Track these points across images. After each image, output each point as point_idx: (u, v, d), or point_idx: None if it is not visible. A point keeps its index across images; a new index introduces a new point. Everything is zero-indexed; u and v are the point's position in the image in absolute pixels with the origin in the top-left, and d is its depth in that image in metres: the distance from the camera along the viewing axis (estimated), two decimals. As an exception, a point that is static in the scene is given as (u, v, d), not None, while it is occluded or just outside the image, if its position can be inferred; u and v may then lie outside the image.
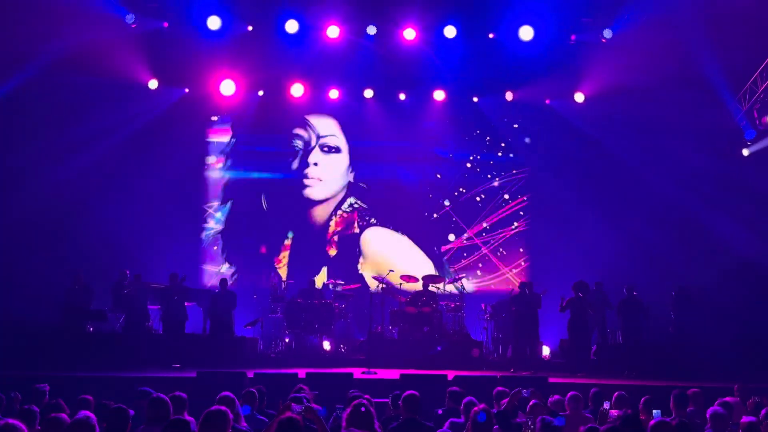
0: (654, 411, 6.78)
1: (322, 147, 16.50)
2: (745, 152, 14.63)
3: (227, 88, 15.54)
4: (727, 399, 7.12)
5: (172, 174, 15.52)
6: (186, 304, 13.23)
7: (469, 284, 15.79)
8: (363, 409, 5.32)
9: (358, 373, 11.01)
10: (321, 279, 15.46)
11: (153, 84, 15.35)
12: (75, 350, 12.33)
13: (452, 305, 14.12)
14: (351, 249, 16.42)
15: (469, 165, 16.71)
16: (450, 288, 14.56)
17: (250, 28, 14.82)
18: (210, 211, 16.28)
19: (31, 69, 13.72)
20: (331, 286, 14.71)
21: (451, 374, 10.40)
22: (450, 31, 14.71)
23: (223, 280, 13.47)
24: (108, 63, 14.20)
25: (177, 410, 5.76)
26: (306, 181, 16.41)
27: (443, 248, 16.44)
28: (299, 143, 16.49)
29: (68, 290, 12.97)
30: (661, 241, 14.84)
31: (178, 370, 11.77)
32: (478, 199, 16.63)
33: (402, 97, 16.20)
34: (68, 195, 14.70)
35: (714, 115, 14.24)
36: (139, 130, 15.45)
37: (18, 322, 12.79)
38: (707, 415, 6.04)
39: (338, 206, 16.54)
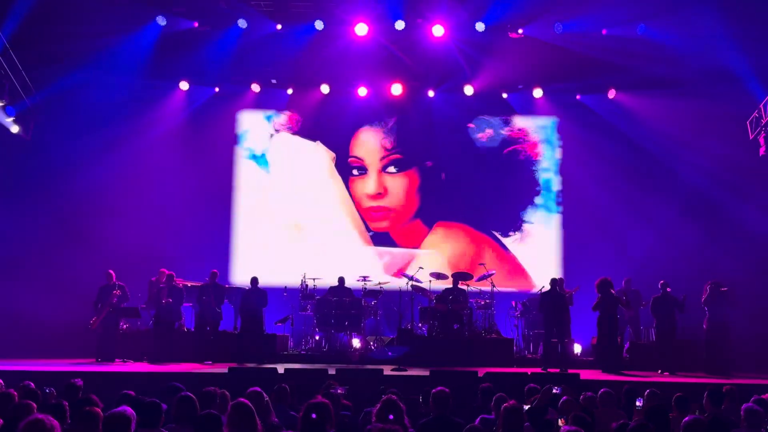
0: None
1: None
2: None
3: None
4: (764, 396, 6.99)
5: (205, 172, 15.74)
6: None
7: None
8: (389, 401, 5.31)
9: (388, 369, 11.03)
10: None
11: (184, 85, 15.66)
12: (108, 346, 12.62)
13: (482, 302, 14.06)
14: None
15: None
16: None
17: (279, 26, 14.86)
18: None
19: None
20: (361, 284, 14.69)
21: (481, 371, 10.35)
22: (479, 27, 14.65)
23: (254, 278, 13.54)
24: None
25: (207, 406, 5.81)
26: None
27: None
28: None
29: (102, 288, 13.15)
30: (695, 236, 14.64)
31: (209, 365, 11.91)
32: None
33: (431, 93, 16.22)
34: (103, 193, 14.94)
35: (746, 107, 13.98)
36: (173, 130, 15.68)
37: (52, 319, 13.11)
38: (742, 412, 5.94)
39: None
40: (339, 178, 16.61)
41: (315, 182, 16.60)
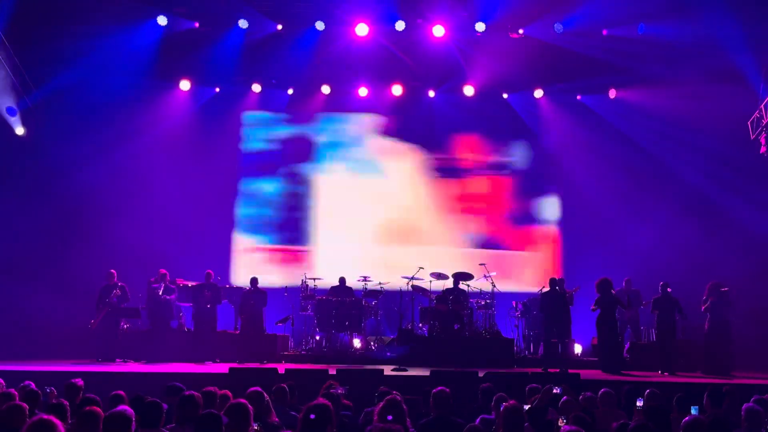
0: (692, 407, 6.69)
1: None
2: None
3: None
4: (765, 396, 6.99)
5: (206, 172, 15.73)
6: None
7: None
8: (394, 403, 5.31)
9: (388, 369, 11.03)
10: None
11: (185, 85, 15.63)
12: (109, 346, 12.64)
13: (482, 302, 14.05)
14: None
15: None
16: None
17: (279, 27, 14.85)
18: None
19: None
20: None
21: (481, 371, 10.35)
22: (479, 27, 14.65)
23: (254, 279, 13.55)
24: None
25: (207, 406, 5.80)
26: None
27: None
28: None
29: (103, 288, 13.16)
30: (696, 236, 14.62)
31: (210, 365, 11.92)
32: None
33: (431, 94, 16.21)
34: (104, 193, 14.91)
35: (747, 107, 13.98)
36: (174, 130, 15.66)
37: (53, 319, 13.12)
38: (742, 412, 5.94)
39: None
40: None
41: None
